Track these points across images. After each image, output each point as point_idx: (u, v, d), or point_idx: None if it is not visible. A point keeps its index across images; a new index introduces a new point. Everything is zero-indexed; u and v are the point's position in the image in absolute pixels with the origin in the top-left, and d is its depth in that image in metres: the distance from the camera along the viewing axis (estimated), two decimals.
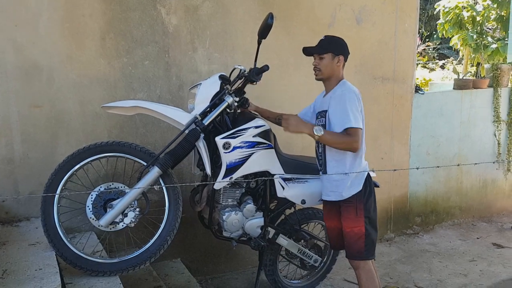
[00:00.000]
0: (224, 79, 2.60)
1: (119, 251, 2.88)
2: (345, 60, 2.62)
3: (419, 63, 14.12)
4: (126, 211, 2.36)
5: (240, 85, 2.64)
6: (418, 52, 15.71)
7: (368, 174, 2.60)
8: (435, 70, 13.34)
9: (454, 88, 4.84)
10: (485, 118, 4.88)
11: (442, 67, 13.65)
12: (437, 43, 16.88)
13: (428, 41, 16.79)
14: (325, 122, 2.57)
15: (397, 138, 4.32)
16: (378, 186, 2.82)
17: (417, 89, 4.41)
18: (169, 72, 3.19)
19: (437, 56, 17.20)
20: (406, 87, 4.28)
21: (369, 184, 2.59)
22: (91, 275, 2.28)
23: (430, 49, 17.10)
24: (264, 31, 2.51)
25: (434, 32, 13.08)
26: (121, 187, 2.41)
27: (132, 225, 2.38)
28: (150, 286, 2.70)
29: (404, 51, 4.20)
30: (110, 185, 2.41)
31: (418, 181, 4.53)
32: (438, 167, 2.38)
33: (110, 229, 2.36)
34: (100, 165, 2.67)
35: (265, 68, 2.42)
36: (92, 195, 2.38)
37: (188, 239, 3.41)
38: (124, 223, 2.36)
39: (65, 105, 2.92)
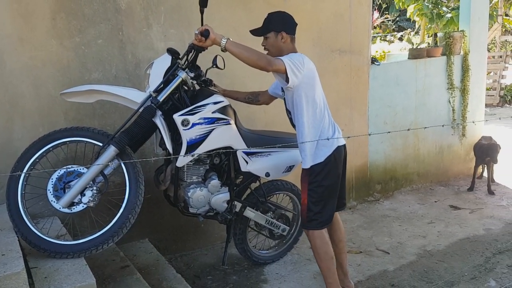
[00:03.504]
0: (174, 53, 2.59)
1: (84, 235, 2.87)
2: (291, 33, 2.65)
3: (379, 36, 14.36)
4: (84, 191, 2.35)
5: (192, 58, 2.62)
6: (377, 25, 15.95)
7: (336, 151, 2.64)
8: (393, 42, 13.61)
9: (409, 58, 4.95)
10: (440, 86, 5.04)
11: (401, 39, 13.95)
12: (396, 15, 17.17)
13: (386, 13, 17.04)
14: (288, 95, 2.63)
15: (356, 109, 4.42)
16: None
17: (373, 60, 4.51)
18: (124, 50, 3.13)
19: (396, 28, 17.50)
20: (362, 58, 4.36)
21: (328, 160, 2.62)
22: (55, 257, 2.28)
23: (389, 21, 17.37)
24: (203, 0, 2.49)
25: (393, 2, 13.29)
26: (80, 168, 2.39)
27: (92, 204, 2.37)
28: (117, 267, 2.71)
29: (359, 23, 4.26)
30: (69, 168, 2.39)
31: (377, 150, 4.67)
32: (389, 132, 2.45)
33: (71, 210, 2.35)
34: (60, 149, 2.65)
35: (205, 33, 2.37)
36: (52, 178, 2.37)
37: (155, 219, 3.42)
38: (83, 203, 2.35)
39: (19, 88, 2.84)
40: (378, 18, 15.49)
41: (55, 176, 2.37)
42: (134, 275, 2.58)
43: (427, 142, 5.06)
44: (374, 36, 14.26)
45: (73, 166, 2.41)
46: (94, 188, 2.39)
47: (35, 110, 2.90)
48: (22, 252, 2.20)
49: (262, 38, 2.68)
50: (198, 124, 2.57)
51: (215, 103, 2.66)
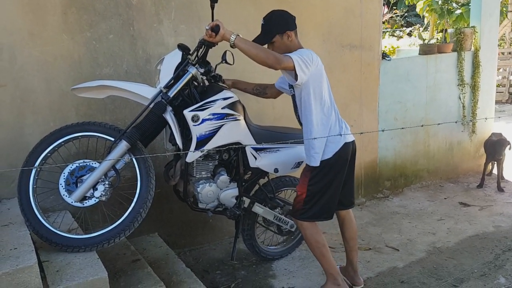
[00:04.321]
0: (184, 49, 2.59)
1: (95, 228, 2.89)
2: (294, 28, 2.61)
3: (387, 31, 14.27)
4: (96, 186, 2.37)
5: (202, 54, 2.62)
6: (386, 20, 15.85)
7: (343, 148, 2.63)
8: (402, 37, 13.51)
9: (419, 54, 4.92)
10: (450, 82, 5.01)
11: (409, 34, 13.85)
12: (404, 11, 17.03)
13: (395, 9, 16.92)
14: (296, 92, 2.61)
15: (365, 105, 4.40)
16: None
17: (384, 56, 4.48)
18: (135, 45, 3.14)
19: (404, 23, 17.39)
20: (373, 54, 4.34)
21: (335, 156, 2.62)
22: (66, 251, 2.30)
23: (398, 17, 17.26)
24: None
25: None
26: (92, 163, 2.41)
27: (104, 198, 2.39)
28: (128, 260, 2.72)
29: (370, 18, 4.24)
30: (81, 163, 2.41)
31: (387, 147, 4.65)
32: (402, 128, 2.44)
33: (83, 204, 2.37)
34: (72, 144, 2.66)
35: (216, 29, 2.37)
36: (64, 173, 2.38)
37: (165, 213, 3.44)
38: (95, 197, 2.37)
39: (30, 83, 2.85)
40: (387, 13, 15.39)
41: (67, 170, 2.39)
42: (145, 268, 2.59)
43: (437, 139, 5.03)
44: (383, 32, 14.18)
45: (85, 160, 2.43)
46: (106, 182, 2.40)
47: (46, 105, 2.91)
48: (34, 246, 2.22)
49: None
50: (207, 119, 2.58)
51: (225, 98, 2.65)
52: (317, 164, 2.62)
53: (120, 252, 2.82)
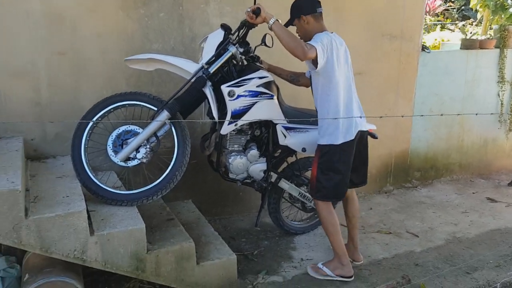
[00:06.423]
0: (226, 29, 2.79)
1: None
2: (311, 13, 2.73)
3: (440, 24, 13.88)
4: (139, 149, 2.65)
5: (243, 34, 2.82)
6: (440, 12, 15.40)
7: (355, 136, 2.79)
8: (454, 31, 13.14)
9: (461, 48, 4.91)
10: (490, 79, 4.97)
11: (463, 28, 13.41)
12: (461, 4, 16.46)
13: (450, 1, 16.38)
14: (315, 76, 2.77)
15: (402, 94, 4.47)
16: (376, 138, 3.04)
17: (424, 47, 4.52)
18: (183, 24, 3.38)
19: (460, 17, 16.81)
20: (413, 45, 4.39)
21: (354, 139, 2.78)
22: (111, 204, 2.60)
23: (453, 9, 16.70)
24: None
25: None
26: (137, 129, 2.68)
27: (145, 160, 2.66)
28: (163, 219, 2.99)
29: (412, 9, 4.28)
30: (127, 128, 2.69)
31: (420, 138, 4.71)
32: (422, 116, 2.54)
33: (127, 164, 2.66)
34: (120, 112, 2.94)
35: (257, 11, 2.55)
36: (112, 135, 2.68)
37: (199, 183, 3.69)
38: (137, 158, 2.65)
39: (87, 53, 3.16)
40: (440, 5, 14.95)
41: (115, 133, 2.68)
42: (177, 227, 2.86)
43: (472, 134, 5.03)
44: (435, 24, 13.80)
45: (130, 126, 2.71)
46: (148, 146, 2.67)
47: (100, 74, 3.21)
48: (84, 197, 2.52)
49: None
50: (242, 96, 2.78)
51: (260, 77, 2.85)
52: (322, 142, 2.80)
53: (157, 211, 3.11)
